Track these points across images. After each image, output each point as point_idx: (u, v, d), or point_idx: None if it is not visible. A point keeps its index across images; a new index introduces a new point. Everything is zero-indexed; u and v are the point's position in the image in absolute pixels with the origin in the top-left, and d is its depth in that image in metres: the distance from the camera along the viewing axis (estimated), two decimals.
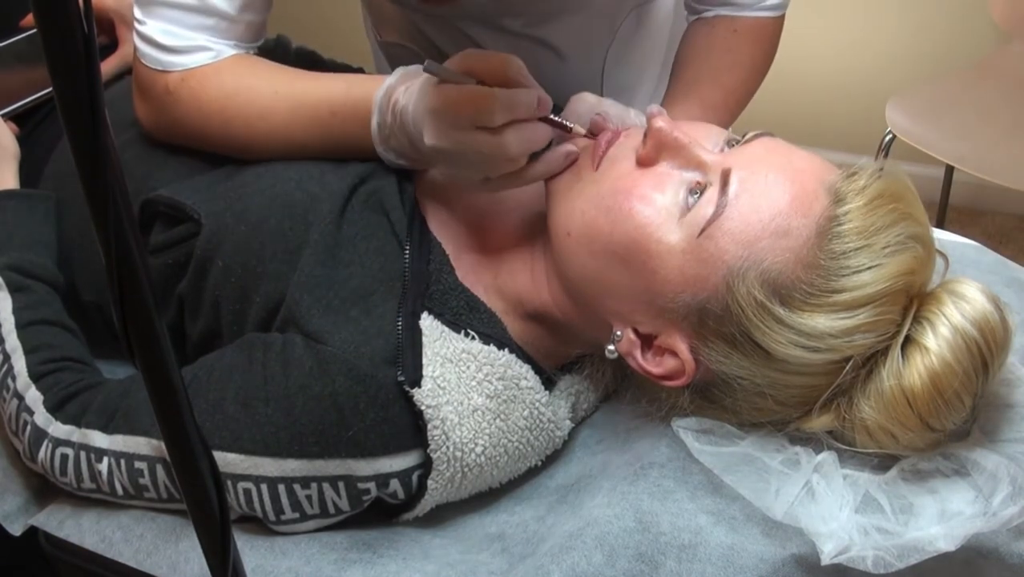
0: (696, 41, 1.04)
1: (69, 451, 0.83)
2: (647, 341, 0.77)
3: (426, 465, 0.78)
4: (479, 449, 0.78)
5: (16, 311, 0.88)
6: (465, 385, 0.78)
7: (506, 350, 0.81)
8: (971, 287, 0.72)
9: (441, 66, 0.78)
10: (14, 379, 0.86)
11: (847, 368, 0.71)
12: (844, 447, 0.75)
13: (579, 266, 0.78)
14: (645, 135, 0.77)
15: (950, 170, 2.13)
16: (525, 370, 0.81)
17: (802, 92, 2.44)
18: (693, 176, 0.75)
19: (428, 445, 0.77)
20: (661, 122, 0.75)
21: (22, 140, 1.06)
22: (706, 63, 1.02)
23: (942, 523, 0.68)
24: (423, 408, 0.76)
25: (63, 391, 0.85)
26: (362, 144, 0.88)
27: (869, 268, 0.70)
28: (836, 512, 0.69)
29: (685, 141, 0.75)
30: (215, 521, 0.55)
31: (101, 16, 1.13)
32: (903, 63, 2.35)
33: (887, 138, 1.93)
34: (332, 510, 0.79)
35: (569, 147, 0.80)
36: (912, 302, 0.72)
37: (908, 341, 0.71)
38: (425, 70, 0.78)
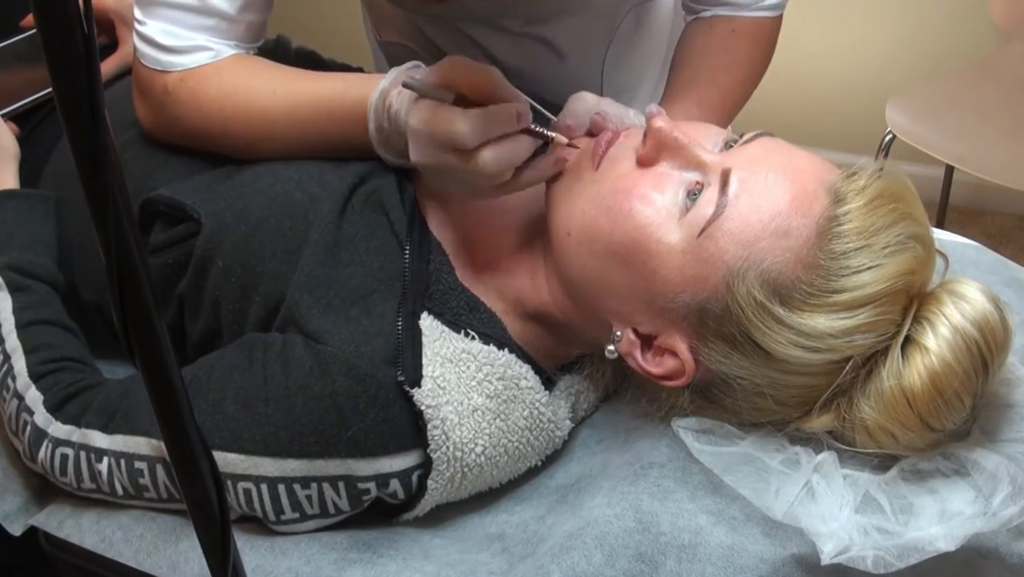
0: (694, 41, 1.04)
1: (69, 451, 0.83)
2: (647, 341, 0.77)
3: (426, 465, 0.78)
4: (479, 449, 0.78)
5: (16, 311, 0.89)
6: (465, 385, 0.78)
7: (506, 350, 0.81)
8: (971, 287, 0.72)
9: (420, 80, 0.77)
10: (14, 379, 0.86)
11: (847, 368, 0.71)
12: (844, 447, 0.74)
13: (579, 266, 0.78)
14: (645, 135, 0.77)
15: (950, 170, 2.13)
16: (525, 370, 0.81)
17: (802, 92, 2.44)
18: (693, 176, 0.75)
19: (428, 445, 0.77)
20: (661, 122, 0.75)
21: (22, 140, 1.06)
22: (704, 63, 1.01)
23: (942, 523, 0.68)
24: (423, 408, 0.76)
25: (63, 391, 0.85)
26: (361, 145, 0.87)
27: (869, 268, 0.70)
28: (836, 512, 0.69)
29: (685, 141, 0.75)
30: (215, 521, 0.55)
31: (101, 16, 1.13)
32: (903, 63, 2.35)
33: (887, 138, 1.93)
34: (332, 510, 0.79)
35: (560, 154, 0.80)
36: (912, 302, 0.72)
37: (908, 341, 0.71)
38: (404, 85, 0.77)
